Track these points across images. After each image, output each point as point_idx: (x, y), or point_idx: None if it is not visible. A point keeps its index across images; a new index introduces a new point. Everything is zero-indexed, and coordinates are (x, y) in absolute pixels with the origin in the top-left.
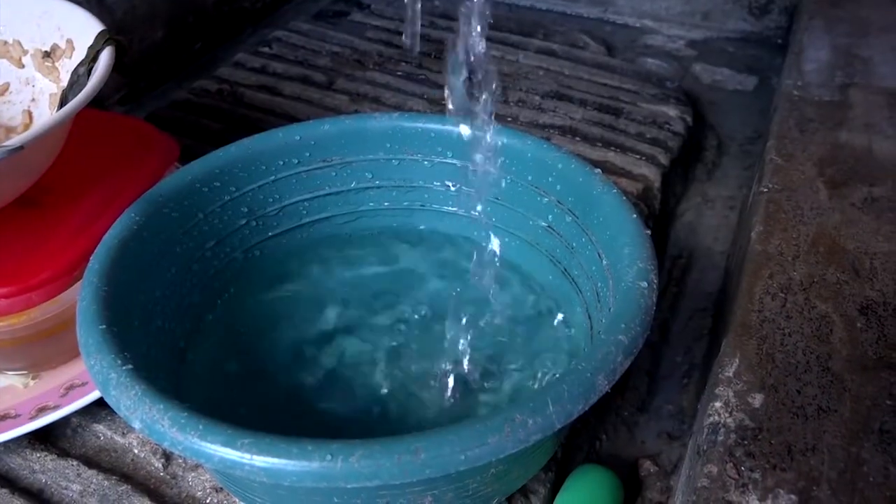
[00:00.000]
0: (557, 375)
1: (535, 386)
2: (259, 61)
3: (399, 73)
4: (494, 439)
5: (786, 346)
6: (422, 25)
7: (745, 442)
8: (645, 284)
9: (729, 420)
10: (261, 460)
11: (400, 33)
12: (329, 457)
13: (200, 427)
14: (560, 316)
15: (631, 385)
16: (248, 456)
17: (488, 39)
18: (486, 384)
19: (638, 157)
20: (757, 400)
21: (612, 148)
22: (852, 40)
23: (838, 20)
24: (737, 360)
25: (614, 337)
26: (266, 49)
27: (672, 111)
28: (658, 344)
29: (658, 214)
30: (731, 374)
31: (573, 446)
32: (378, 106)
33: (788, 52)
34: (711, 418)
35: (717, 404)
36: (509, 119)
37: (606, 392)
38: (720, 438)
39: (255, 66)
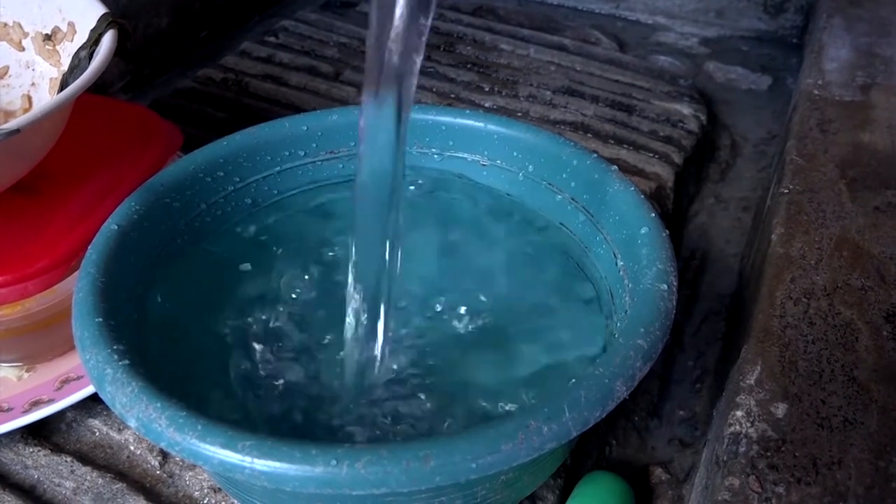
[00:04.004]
0: (574, 381)
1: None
2: (265, 51)
3: None
4: (508, 447)
5: (809, 353)
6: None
7: (769, 454)
8: (665, 287)
9: (751, 430)
10: (262, 464)
11: None
12: (334, 462)
13: (199, 427)
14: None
15: (642, 389)
16: (248, 459)
17: (498, 33)
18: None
19: (651, 155)
20: (780, 410)
21: (625, 145)
22: (872, 39)
23: (858, 19)
24: (758, 368)
25: (633, 341)
26: (272, 38)
27: (686, 109)
28: (670, 347)
29: (671, 214)
30: (752, 382)
31: (582, 452)
32: None
33: (807, 51)
34: (732, 428)
35: (739, 413)
36: (519, 114)
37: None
38: (742, 449)
39: (261, 55)
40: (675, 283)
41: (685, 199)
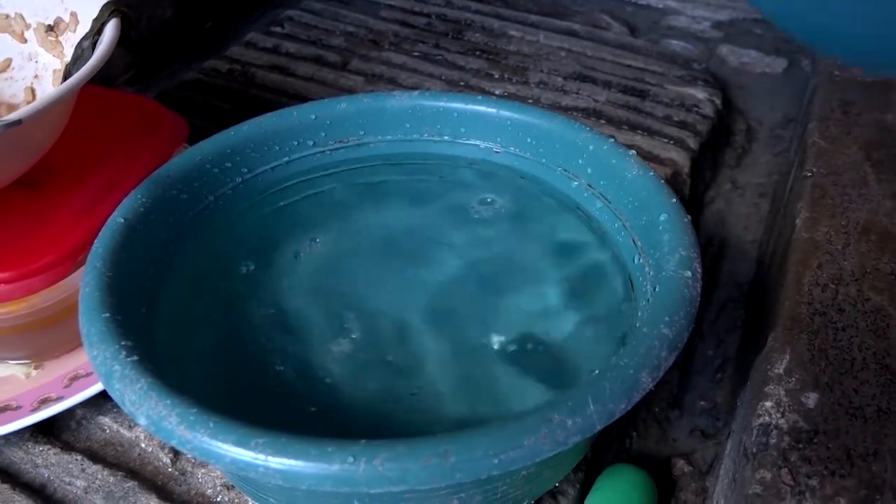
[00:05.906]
0: (597, 372)
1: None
2: (271, 41)
3: (416, 54)
4: (530, 441)
5: (839, 341)
6: (438, 5)
7: (800, 445)
8: (689, 274)
9: (781, 421)
10: (276, 462)
11: (416, 12)
12: (351, 459)
13: (211, 425)
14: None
15: (662, 379)
16: (262, 457)
17: (506, 19)
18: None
19: (666, 140)
20: (811, 400)
21: (639, 131)
22: None
23: None
24: (787, 356)
25: (658, 330)
26: (278, 28)
27: (700, 93)
28: (689, 336)
29: (687, 201)
30: (781, 372)
31: (602, 444)
32: (394, 87)
33: None
34: (762, 419)
35: (768, 404)
36: (530, 101)
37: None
38: (773, 441)
39: (267, 45)
40: (699, 270)
41: (701, 185)
